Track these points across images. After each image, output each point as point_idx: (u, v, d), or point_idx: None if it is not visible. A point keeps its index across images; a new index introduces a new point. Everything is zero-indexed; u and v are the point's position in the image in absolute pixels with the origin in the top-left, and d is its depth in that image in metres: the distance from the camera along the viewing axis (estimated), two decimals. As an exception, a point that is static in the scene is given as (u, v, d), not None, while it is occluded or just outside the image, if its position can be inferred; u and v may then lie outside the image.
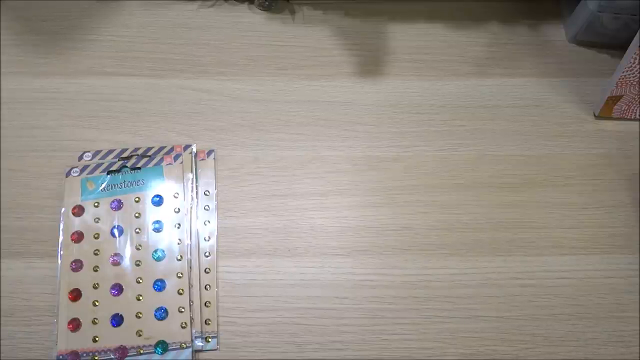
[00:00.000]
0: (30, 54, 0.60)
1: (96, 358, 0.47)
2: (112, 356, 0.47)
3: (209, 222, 0.53)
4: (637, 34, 0.52)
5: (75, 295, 0.49)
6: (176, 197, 0.53)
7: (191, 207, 0.53)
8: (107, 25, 0.62)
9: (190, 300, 0.49)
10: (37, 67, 0.59)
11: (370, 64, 0.62)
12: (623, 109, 0.58)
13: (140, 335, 0.48)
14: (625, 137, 0.59)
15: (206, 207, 0.53)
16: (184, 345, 0.48)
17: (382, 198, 0.55)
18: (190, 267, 0.51)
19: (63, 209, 0.52)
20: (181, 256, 0.51)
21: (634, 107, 0.58)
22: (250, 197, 0.54)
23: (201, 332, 0.49)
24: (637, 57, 0.53)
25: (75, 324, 0.48)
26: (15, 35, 0.61)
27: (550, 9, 0.65)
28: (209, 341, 0.49)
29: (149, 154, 0.55)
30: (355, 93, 0.60)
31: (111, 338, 0.48)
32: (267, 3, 0.63)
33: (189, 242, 0.52)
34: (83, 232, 0.51)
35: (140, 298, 0.49)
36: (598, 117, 0.59)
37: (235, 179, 0.55)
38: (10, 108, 0.57)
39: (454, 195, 0.55)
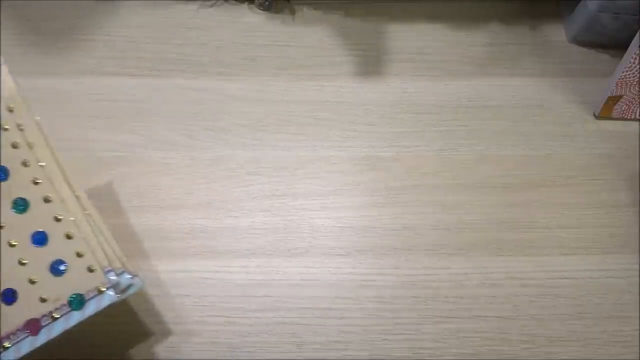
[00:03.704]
0: (30, 54, 0.60)
1: (7, 345, 0.39)
2: (25, 335, 0.39)
3: None
4: (637, 34, 0.52)
5: None
6: None
7: None
8: (107, 25, 0.62)
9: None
10: (37, 67, 0.59)
11: (370, 64, 0.62)
12: (623, 109, 0.58)
13: (45, 301, 0.40)
14: (625, 137, 0.59)
15: None
16: (102, 289, 0.41)
17: (382, 198, 0.55)
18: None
19: None
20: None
21: (634, 107, 0.58)
22: (250, 197, 0.54)
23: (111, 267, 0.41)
24: (637, 57, 0.53)
25: None
26: (15, 35, 0.61)
27: (550, 9, 0.65)
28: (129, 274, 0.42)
29: None
30: (355, 93, 0.60)
31: (11, 318, 0.39)
32: (267, 3, 0.63)
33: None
34: None
35: (24, 262, 0.40)
36: (598, 117, 0.59)
37: (235, 179, 0.55)
38: (10, 108, 0.57)
39: (454, 195, 0.55)
